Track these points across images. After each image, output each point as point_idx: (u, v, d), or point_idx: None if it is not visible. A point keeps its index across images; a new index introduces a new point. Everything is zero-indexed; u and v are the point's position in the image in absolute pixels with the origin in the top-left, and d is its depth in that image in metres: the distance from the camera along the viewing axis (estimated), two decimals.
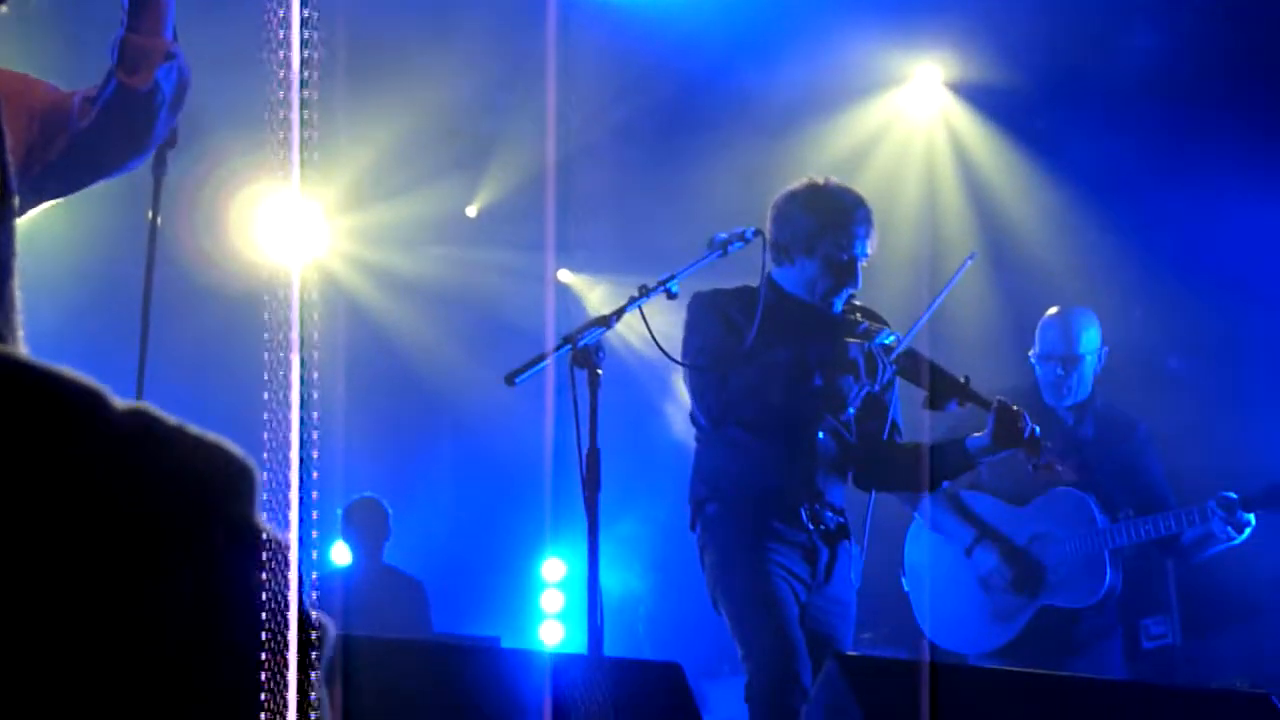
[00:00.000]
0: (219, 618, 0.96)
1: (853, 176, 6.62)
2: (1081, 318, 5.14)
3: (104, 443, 0.95)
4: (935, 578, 5.00)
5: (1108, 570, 4.84)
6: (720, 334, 4.11)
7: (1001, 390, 4.34)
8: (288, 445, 1.11)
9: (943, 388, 4.09)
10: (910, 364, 4.13)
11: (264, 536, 0.99)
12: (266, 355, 1.17)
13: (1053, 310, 5.21)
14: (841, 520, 4.13)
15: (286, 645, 0.98)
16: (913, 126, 7.11)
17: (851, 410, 4.18)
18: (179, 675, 0.94)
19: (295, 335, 1.19)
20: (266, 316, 1.19)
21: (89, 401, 0.95)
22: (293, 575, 1.00)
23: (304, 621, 1.01)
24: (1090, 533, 4.87)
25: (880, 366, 4.18)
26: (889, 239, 6.67)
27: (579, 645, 3.92)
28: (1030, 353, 5.20)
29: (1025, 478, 4.96)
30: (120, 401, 0.96)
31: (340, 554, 7.05)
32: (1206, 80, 6.01)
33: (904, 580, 5.14)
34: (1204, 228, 6.16)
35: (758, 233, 4.11)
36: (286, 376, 1.18)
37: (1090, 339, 5.10)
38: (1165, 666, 5.85)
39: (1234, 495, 4.64)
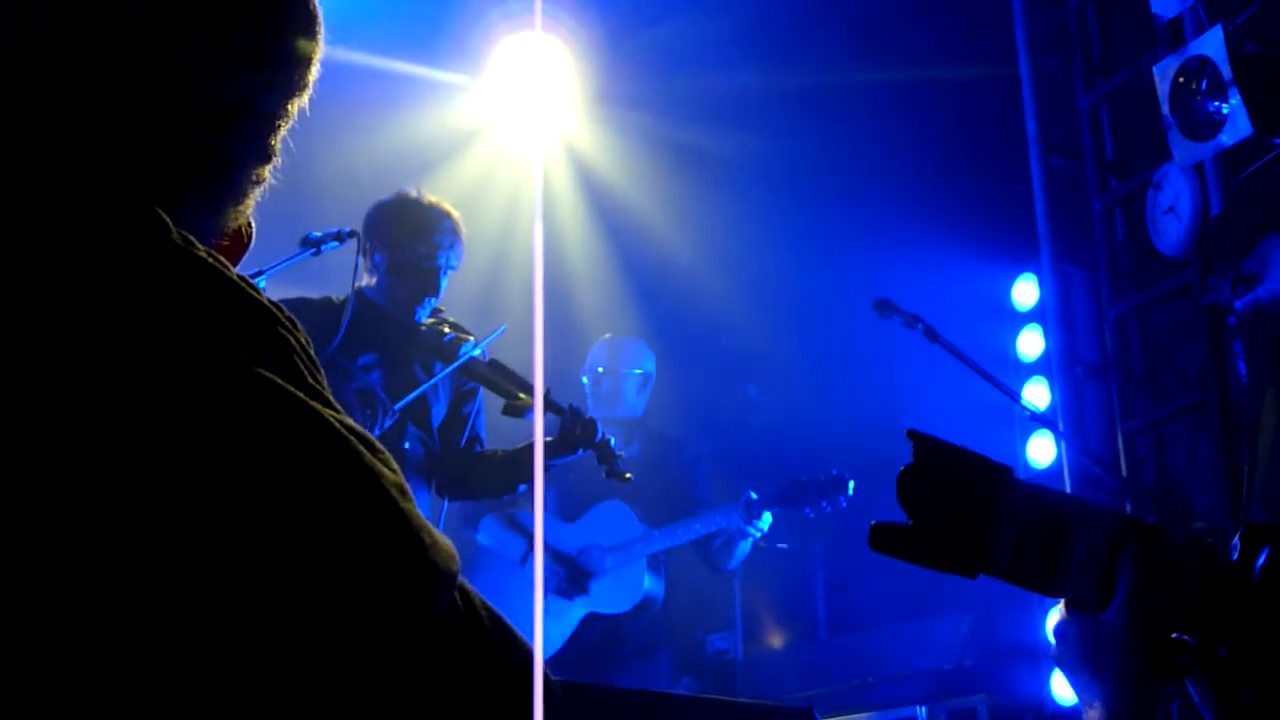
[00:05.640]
0: None
1: (450, 168, 6.57)
2: (625, 339, 5.60)
3: None
4: (493, 593, 5.04)
5: (645, 578, 5.07)
6: None
7: None
8: None
9: (517, 394, 4.14)
10: (490, 373, 4.17)
11: None
12: None
13: (604, 335, 5.63)
14: None
15: None
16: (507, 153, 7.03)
17: (435, 420, 4.19)
18: None
19: None
20: None
21: None
22: None
23: None
24: (629, 540, 5.10)
25: (461, 379, 4.22)
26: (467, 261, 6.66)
27: None
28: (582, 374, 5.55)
29: (576, 496, 5.17)
30: None
31: None
32: (803, 123, 6.30)
33: None
34: (787, 267, 6.47)
35: (353, 233, 4.05)
36: None
37: (631, 359, 5.48)
38: (728, 680, 6.10)
39: (754, 495, 5.01)
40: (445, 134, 6.63)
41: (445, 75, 6.47)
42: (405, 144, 6.42)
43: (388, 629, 1.00)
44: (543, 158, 6.88)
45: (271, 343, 1.05)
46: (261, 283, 3.76)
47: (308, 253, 3.95)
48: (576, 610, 5.07)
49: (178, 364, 0.97)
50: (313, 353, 1.10)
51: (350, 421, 1.05)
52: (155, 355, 0.97)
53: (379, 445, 1.06)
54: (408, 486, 1.05)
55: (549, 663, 4.91)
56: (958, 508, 1.29)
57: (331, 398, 1.07)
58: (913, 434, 1.32)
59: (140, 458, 0.94)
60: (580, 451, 4.16)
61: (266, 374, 1.00)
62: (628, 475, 4.26)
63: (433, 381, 4.11)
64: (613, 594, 5.09)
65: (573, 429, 4.11)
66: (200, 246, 1.06)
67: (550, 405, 4.13)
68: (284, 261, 3.88)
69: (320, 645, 0.98)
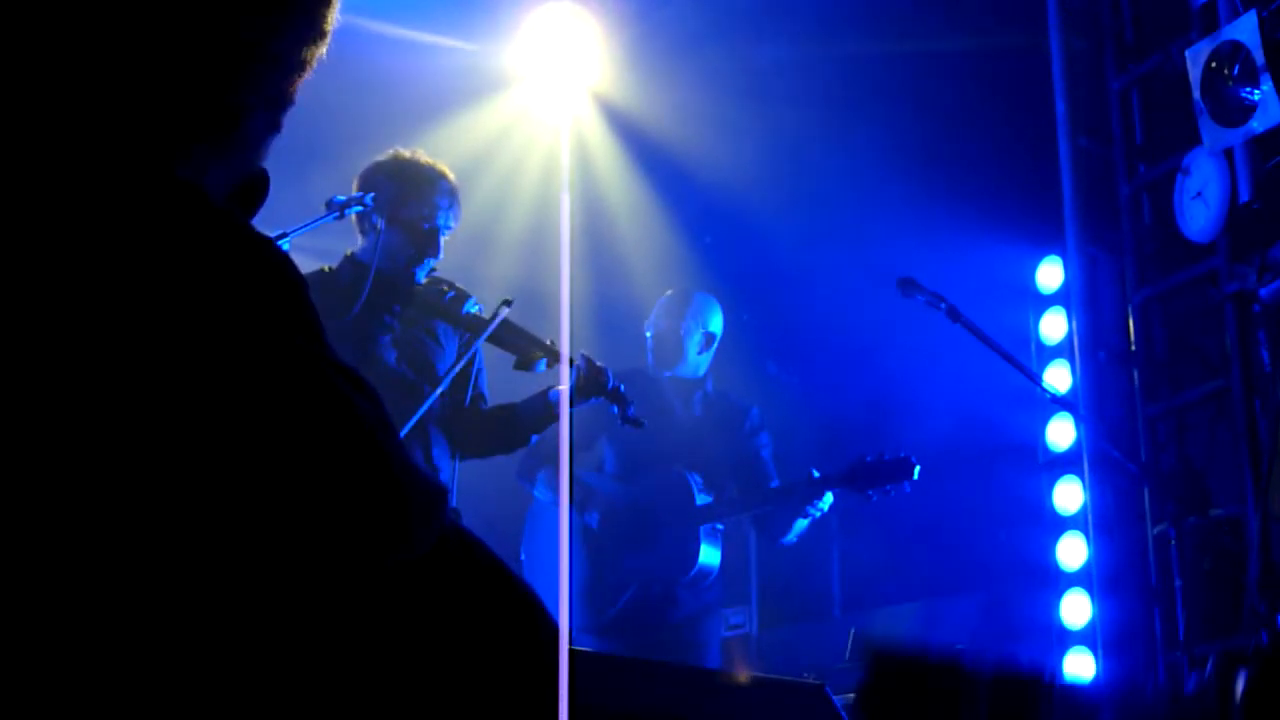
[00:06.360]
0: None
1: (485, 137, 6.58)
2: (692, 295, 5.46)
3: None
4: (548, 547, 5.10)
5: (701, 548, 5.03)
6: None
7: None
8: None
9: (530, 349, 4.19)
10: (498, 331, 4.21)
11: None
12: None
13: (667, 291, 5.53)
14: (452, 504, 4.15)
15: None
16: (539, 122, 6.97)
17: (444, 380, 4.21)
18: None
19: None
20: None
21: None
22: None
23: None
24: (687, 511, 5.06)
25: (462, 334, 4.26)
26: (505, 227, 6.67)
27: None
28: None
29: (636, 456, 5.16)
30: None
31: None
32: (831, 100, 6.28)
33: (521, 551, 5.23)
34: (810, 244, 6.46)
35: (376, 198, 4.09)
36: None
37: (695, 315, 5.39)
38: (741, 655, 6.12)
39: (817, 474, 4.97)
40: (478, 104, 6.64)
41: (473, 45, 6.45)
42: (433, 110, 6.43)
43: (364, 560, 1.01)
44: (571, 130, 6.88)
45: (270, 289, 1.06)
46: (285, 245, 3.78)
47: (331, 216, 4.01)
48: (628, 584, 5.06)
49: (165, 299, 0.97)
50: (309, 297, 1.10)
51: (338, 361, 1.06)
52: (156, 299, 0.97)
53: (367, 385, 1.07)
54: (393, 424, 1.06)
55: (601, 628, 4.96)
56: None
57: (325, 337, 1.08)
58: (869, 651, 1.31)
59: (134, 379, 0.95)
60: (593, 399, 4.22)
61: (247, 309, 1.00)
62: (642, 421, 4.31)
63: (471, 352, 4.15)
64: (668, 563, 5.06)
65: (585, 377, 4.17)
66: (207, 196, 1.06)
67: (558, 355, 4.20)
68: (308, 224, 3.92)
69: (299, 575, 0.99)
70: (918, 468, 4.89)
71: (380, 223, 4.17)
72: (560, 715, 1.09)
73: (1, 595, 0.93)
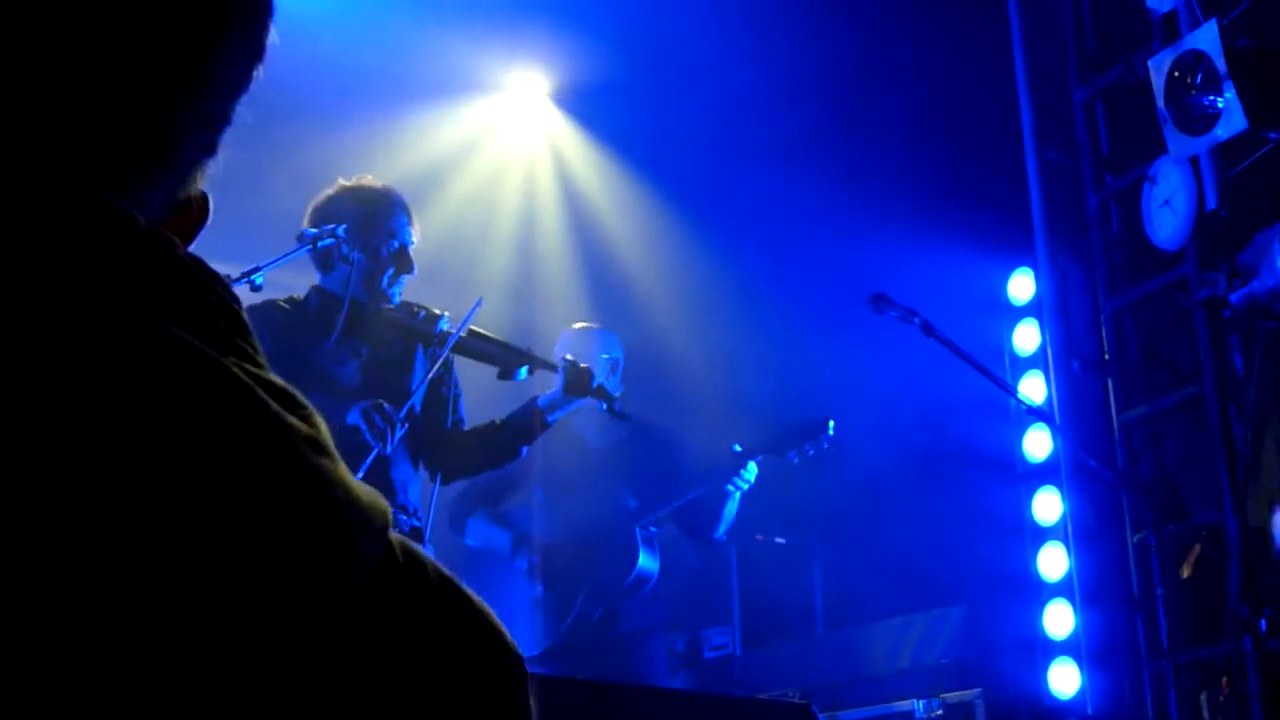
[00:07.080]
0: None
1: (451, 180, 6.61)
2: (592, 327, 5.56)
3: None
4: (489, 592, 5.11)
5: (639, 552, 5.09)
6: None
7: None
8: None
9: (510, 358, 4.23)
10: (475, 343, 4.24)
11: None
12: None
13: (571, 325, 5.61)
14: (416, 524, 4.13)
15: None
16: (513, 134, 6.96)
17: (417, 400, 4.21)
18: None
19: None
20: None
21: None
22: None
23: None
24: (620, 516, 5.16)
25: (436, 352, 4.26)
26: (485, 248, 6.69)
27: None
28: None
29: (563, 488, 5.21)
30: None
31: None
32: (800, 115, 6.30)
33: None
34: (782, 262, 6.48)
35: (348, 229, 4.09)
36: None
37: (598, 341, 5.47)
38: (725, 675, 6.11)
39: (738, 448, 5.08)
40: (448, 142, 6.67)
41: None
42: (394, 135, 6.44)
43: (302, 579, 0.98)
44: (546, 146, 6.93)
45: (187, 300, 1.03)
46: (259, 279, 3.77)
47: (304, 249, 4.00)
48: (573, 599, 5.09)
49: (88, 322, 0.95)
50: (244, 318, 1.07)
51: (269, 376, 1.03)
52: (56, 312, 0.95)
53: (302, 401, 1.04)
54: (328, 442, 1.04)
55: (548, 652, 4.99)
56: None
57: (258, 354, 1.05)
58: None
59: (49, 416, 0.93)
60: (578, 401, 4.32)
61: (175, 330, 0.98)
62: (627, 414, 4.47)
63: (445, 354, 4.18)
64: (608, 574, 5.11)
65: (572, 378, 4.27)
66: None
67: (543, 364, 4.28)
68: (281, 258, 3.91)
69: (230, 600, 0.96)
70: (832, 423, 5.04)
71: (351, 251, 4.16)
72: None
73: None
